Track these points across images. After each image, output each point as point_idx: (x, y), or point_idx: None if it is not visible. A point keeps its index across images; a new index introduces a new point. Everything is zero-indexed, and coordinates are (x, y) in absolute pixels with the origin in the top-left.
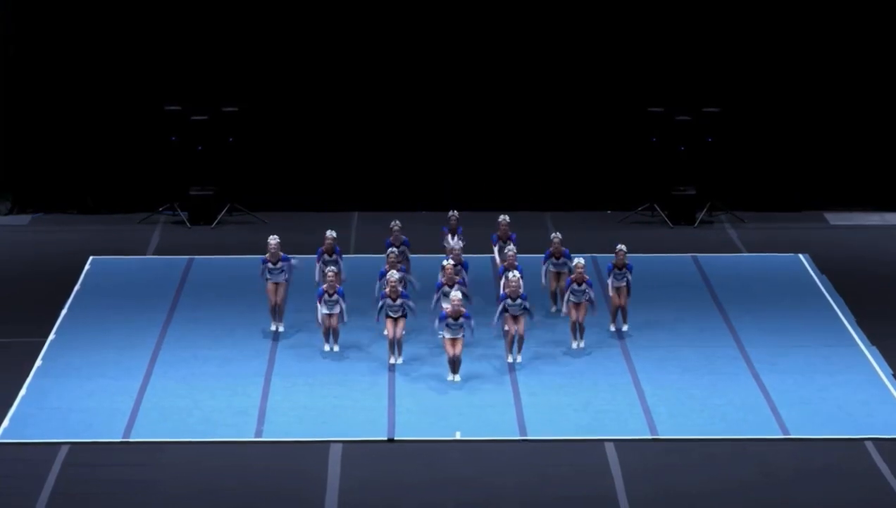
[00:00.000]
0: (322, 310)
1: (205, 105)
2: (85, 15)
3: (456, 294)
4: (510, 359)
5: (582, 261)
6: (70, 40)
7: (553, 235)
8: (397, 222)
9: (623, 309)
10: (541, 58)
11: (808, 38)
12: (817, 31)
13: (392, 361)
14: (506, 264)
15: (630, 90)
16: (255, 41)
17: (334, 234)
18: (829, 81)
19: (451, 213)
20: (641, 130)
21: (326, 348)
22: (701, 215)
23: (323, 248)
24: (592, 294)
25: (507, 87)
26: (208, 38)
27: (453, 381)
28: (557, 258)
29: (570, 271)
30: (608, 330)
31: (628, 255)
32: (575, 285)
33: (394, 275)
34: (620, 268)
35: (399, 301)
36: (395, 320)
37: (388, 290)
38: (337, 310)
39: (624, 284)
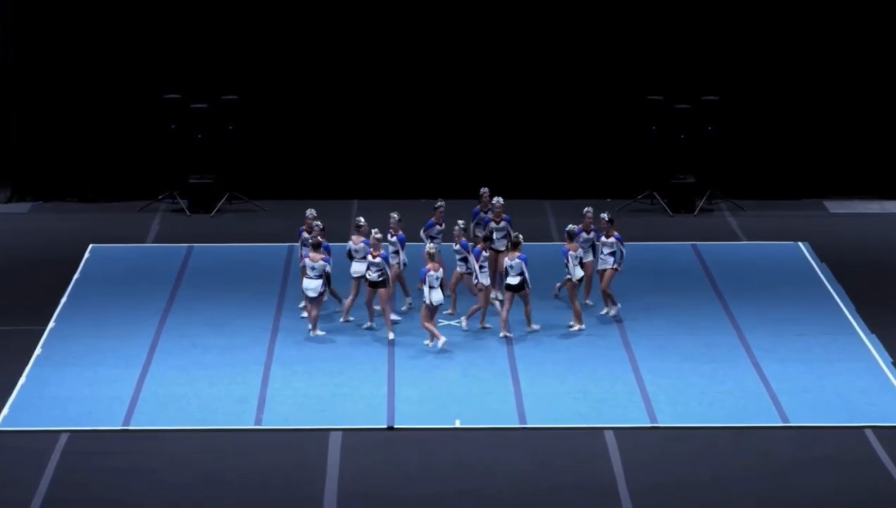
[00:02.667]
0: (305, 282)
1: (204, 93)
2: (85, 4)
3: (431, 245)
4: (504, 334)
5: (590, 209)
6: (70, 29)
7: (586, 209)
8: (395, 214)
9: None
10: (540, 47)
11: (808, 27)
12: (817, 21)
13: (368, 324)
14: (493, 217)
15: (629, 79)
16: (254, 30)
17: (314, 212)
18: (829, 69)
19: (438, 203)
20: (641, 118)
21: (312, 333)
22: (700, 204)
23: (304, 227)
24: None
25: (507, 75)
26: (208, 27)
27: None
28: (588, 233)
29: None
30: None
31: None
32: (584, 235)
33: (378, 234)
34: (588, 232)
35: (378, 259)
36: (374, 286)
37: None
38: (321, 286)
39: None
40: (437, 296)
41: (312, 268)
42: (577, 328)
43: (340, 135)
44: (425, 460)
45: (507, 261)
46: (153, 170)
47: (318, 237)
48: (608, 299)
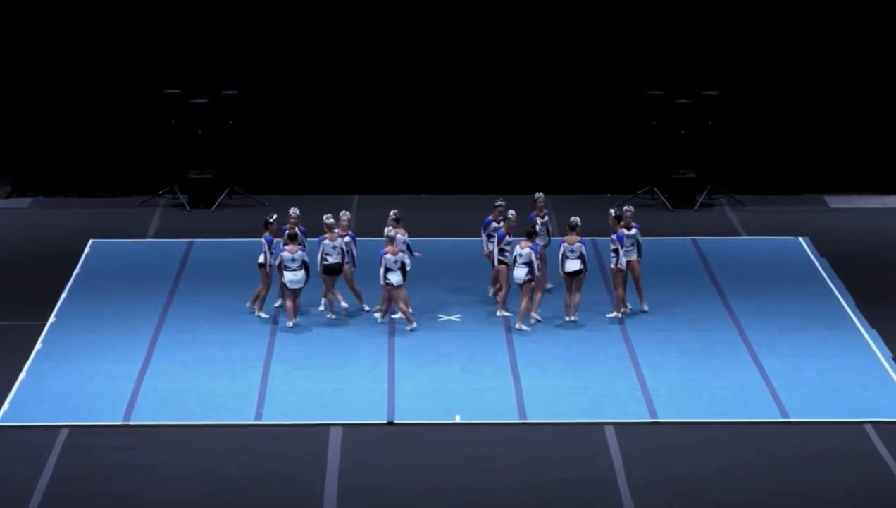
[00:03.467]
0: (288, 275)
1: (204, 89)
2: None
3: (389, 228)
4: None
5: (631, 208)
6: (71, 24)
7: (626, 208)
8: (346, 212)
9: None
10: (541, 42)
11: (809, 22)
12: (817, 16)
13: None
14: (504, 227)
15: (630, 74)
16: (255, 25)
17: (297, 211)
18: (829, 64)
19: (498, 201)
20: (641, 113)
21: (290, 324)
22: (701, 199)
23: (287, 226)
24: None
25: (507, 70)
26: (208, 22)
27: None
28: (629, 229)
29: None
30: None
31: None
32: (625, 231)
33: (330, 218)
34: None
35: (339, 241)
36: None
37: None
38: (300, 274)
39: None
40: (394, 278)
41: (293, 259)
42: (571, 318)
43: (340, 130)
44: (425, 455)
45: (517, 250)
46: (153, 165)
47: (295, 228)
48: (620, 301)
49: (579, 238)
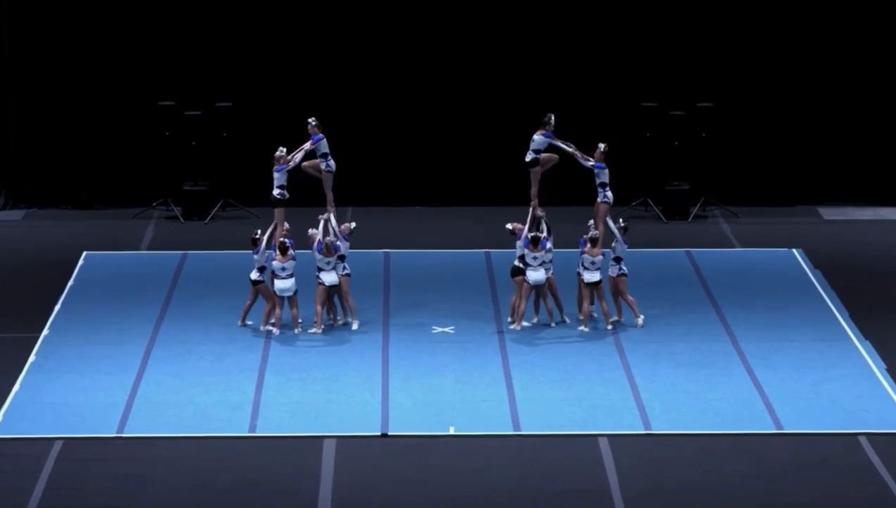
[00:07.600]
0: (279, 284)
1: (198, 100)
2: (79, 10)
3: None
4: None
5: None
6: (65, 35)
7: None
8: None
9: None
10: (534, 52)
11: (803, 34)
12: (811, 27)
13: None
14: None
15: (624, 85)
16: (248, 36)
17: (287, 225)
18: (823, 75)
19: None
20: (635, 124)
21: (276, 331)
22: (695, 210)
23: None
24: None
25: (501, 81)
26: (202, 33)
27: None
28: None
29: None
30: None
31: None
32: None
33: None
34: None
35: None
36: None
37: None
38: (290, 282)
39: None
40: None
41: (283, 268)
42: (608, 326)
43: (335, 141)
44: (419, 467)
45: (587, 257)
46: (147, 177)
47: (284, 240)
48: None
49: (601, 251)
